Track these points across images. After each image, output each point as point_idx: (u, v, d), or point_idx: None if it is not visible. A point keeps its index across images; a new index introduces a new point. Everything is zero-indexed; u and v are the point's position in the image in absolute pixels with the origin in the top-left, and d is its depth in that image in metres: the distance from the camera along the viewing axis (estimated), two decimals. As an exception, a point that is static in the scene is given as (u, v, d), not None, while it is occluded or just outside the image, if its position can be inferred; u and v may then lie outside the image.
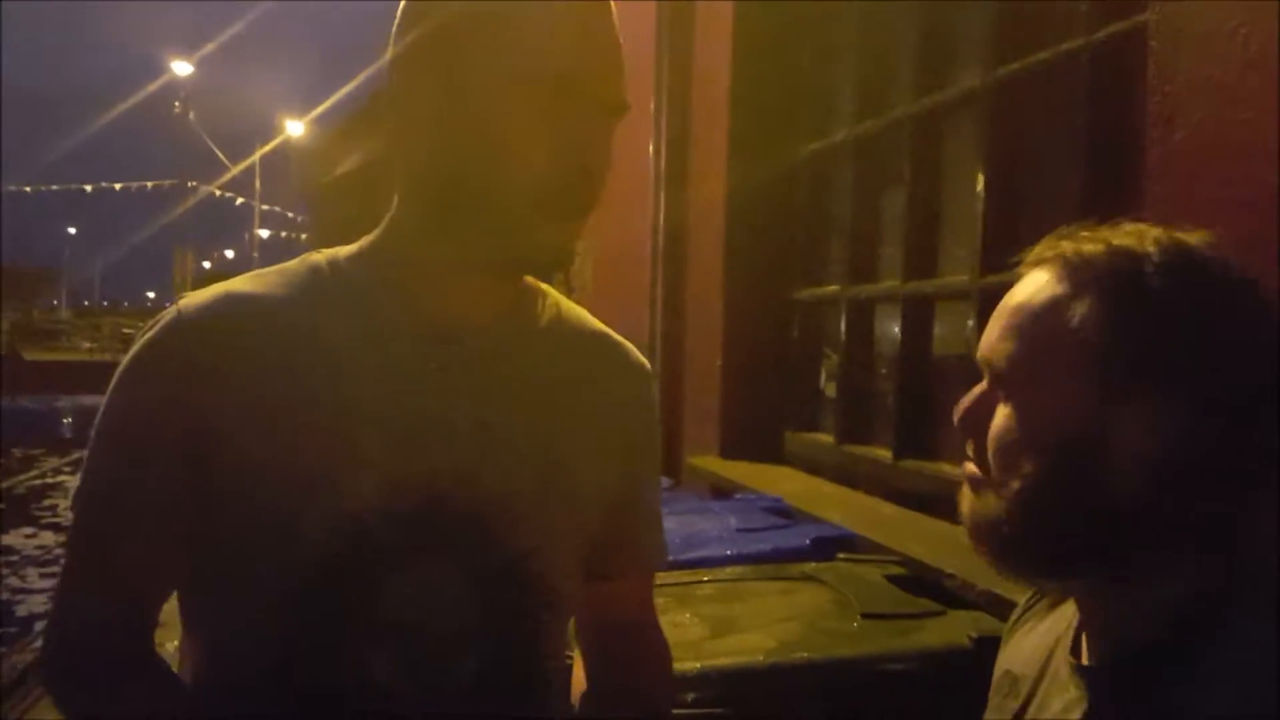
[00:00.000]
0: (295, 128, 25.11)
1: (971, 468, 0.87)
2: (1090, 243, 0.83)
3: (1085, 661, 0.86)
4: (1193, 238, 0.82)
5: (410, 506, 0.90)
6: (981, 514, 0.84)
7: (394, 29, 0.92)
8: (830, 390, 3.18)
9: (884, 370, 2.91)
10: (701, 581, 2.04)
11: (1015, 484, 0.81)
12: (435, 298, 0.94)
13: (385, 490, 0.89)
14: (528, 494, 0.94)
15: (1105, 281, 0.80)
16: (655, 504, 1.12)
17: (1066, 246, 0.84)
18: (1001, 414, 0.83)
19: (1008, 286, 0.87)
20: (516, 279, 0.99)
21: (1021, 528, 0.81)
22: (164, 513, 0.89)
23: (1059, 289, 0.81)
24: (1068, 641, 0.89)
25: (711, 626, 1.78)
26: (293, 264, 0.97)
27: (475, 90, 0.87)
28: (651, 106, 3.89)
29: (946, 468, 2.52)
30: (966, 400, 0.88)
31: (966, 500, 0.87)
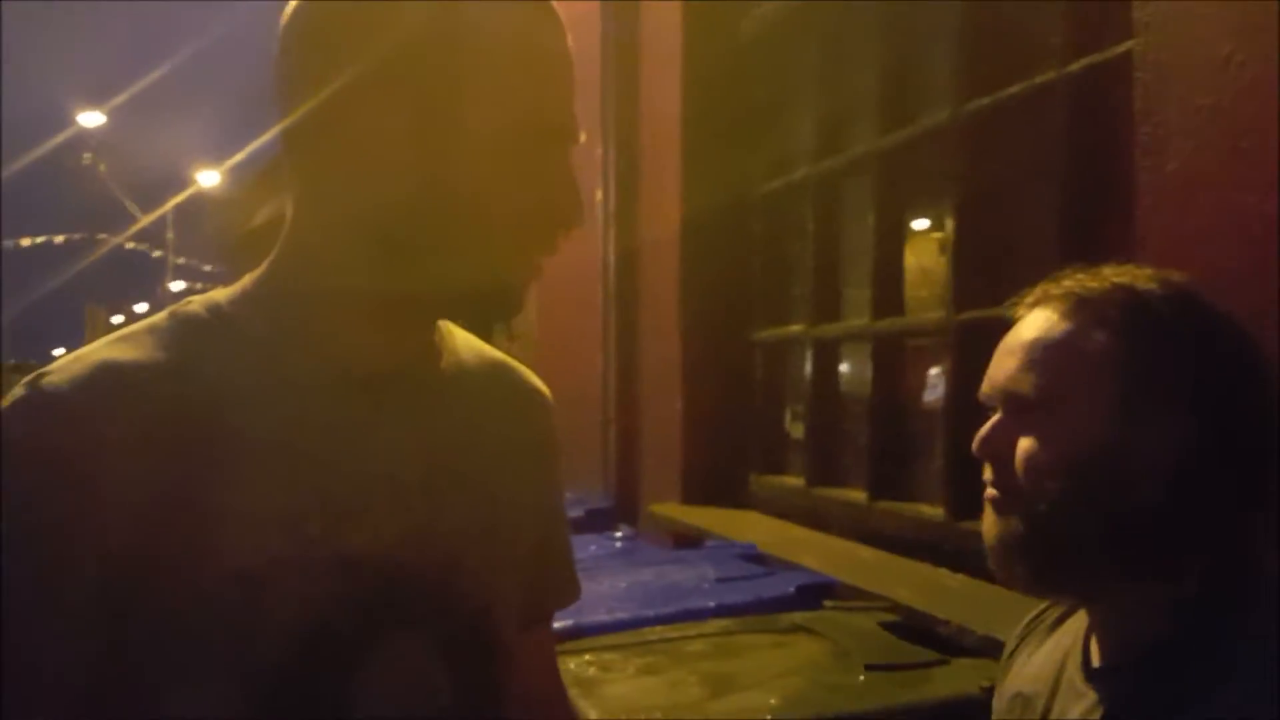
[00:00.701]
0: (209, 177, 24.60)
1: (994, 492, 0.95)
2: (1092, 282, 0.93)
3: (1097, 665, 0.93)
4: (1176, 275, 0.94)
5: (365, 585, 0.79)
6: (1010, 534, 0.92)
7: (308, 41, 0.79)
8: (796, 432, 3.12)
9: (854, 410, 2.86)
10: (689, 636, 1.95)
11: (1044, 505, 0.89)
12: (347, 341, 0.82)
13: (333, 571, 0.78)
14: (477, 547, 0.86)
15: (1118, 315, 0.90)
16: (568, 538, 1.05)
17: (1069, 286, 0.94)
18: (1027, 440, 0.91)
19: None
20: (460, 320, 0.91)
21: (1051, 543, 0.90)
22: (77, 633, 0.73)
23: (1074, 324, 0.91)
24: (1078, 653, 0.96)
25: (710, 685, 1.68)
26: (161, 318, 0.82)
27: (455, 135, 0.77)
28: (599, 144, 3.83)
29: (925, 509, 2.46)
30: (985, 429, 0.96)
31: (991, 523, 0.94)
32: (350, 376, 0.82)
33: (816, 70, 3.03)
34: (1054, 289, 0.95)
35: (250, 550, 0.76)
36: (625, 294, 3.76)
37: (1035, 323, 0.94)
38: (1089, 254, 1.99)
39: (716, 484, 3.31)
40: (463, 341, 0.95)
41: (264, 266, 0.85)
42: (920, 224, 2.69)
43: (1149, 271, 0.94)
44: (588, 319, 3.90)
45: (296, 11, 0.80)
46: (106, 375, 0.76)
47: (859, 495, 2.70)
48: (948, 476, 2.33)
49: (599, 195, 3.85)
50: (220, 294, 0.85)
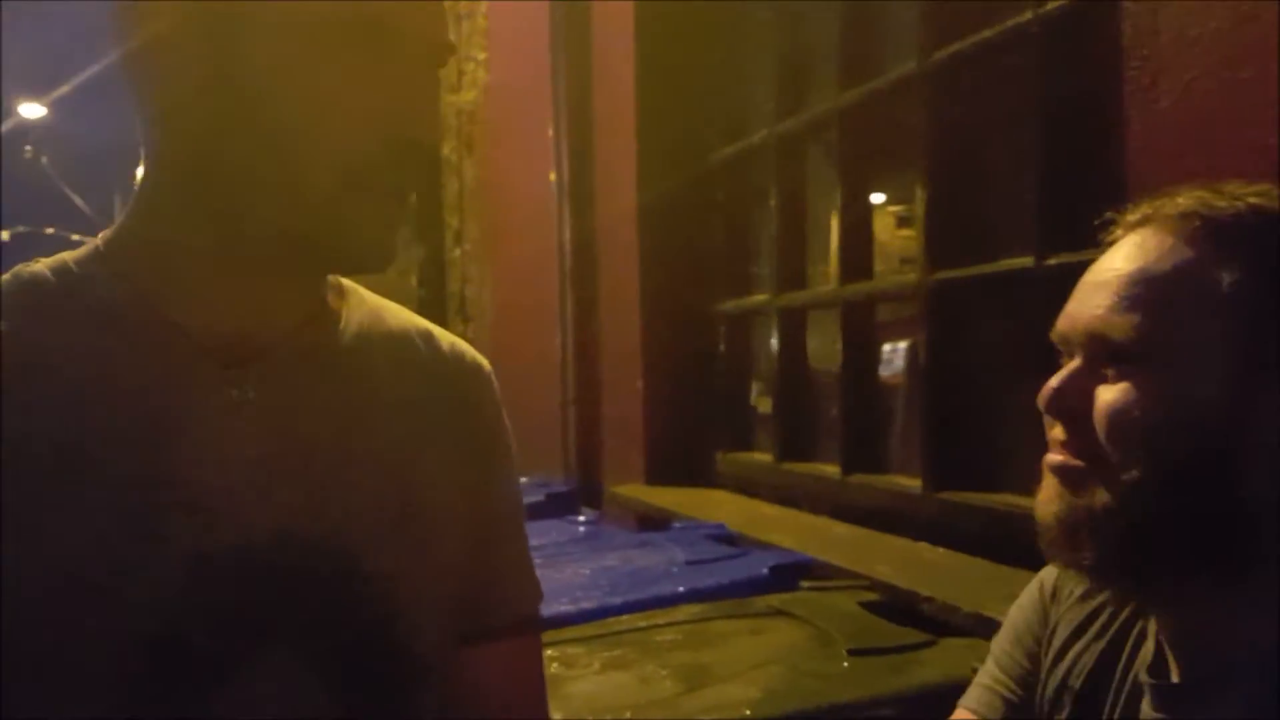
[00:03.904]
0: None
1: (1063, 457, 0.77)
2: (1217, 200, 0.75)
3: (1175, 679, 0.77)
4: None
5: (226, 590, 0.68)
6: (1083, 508, 0.75)
7: None
8: (764, 406, 3.00)
9: (824, 382, 2.75)
10: (659, 625, 1.82)
11: (1136, 473, 0.72)
12: (215, 306, 0.71)
13: (186, 573, 0.67)
14: (377, 546, 0.73)
15: (1253, 244, 0.72)
16: (519, 533, 0.89)
17: (1186, 205, 0.76)
18: (1114, 393, 0.74)
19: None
20: (320, 279, 0.77)
21: (1139, 521, 0.72)
22: None
23: (1194, 253, 0.73)
24: (1146, 658, 0.80)
25: (684, 679, 1.56)
26: (3, 279, 0.72)
27: (260, 36, 0.66)
28: (550, 121, 3.68)
29: (901, 481, 2.35)
30: (1058, 379, 0.78)
31: (1055, 495, 0.78)
32: (211, 346, 0.71)
33: (774, 25, 2.90)
34: (1166, 206, 0.76)
35: (89, 549, 0.65)
36: (582, 271, 3.62)
37: (1139, 249, 0.76)
38: (1074, 206, 1.92)
39: (682, 463, 3.19)
40: (374, 309, 0.81)
41: (118, 223, 0.73)
42: (888, 184, 2.57)
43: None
44: (544, 298, 3.75)
45: None
46: None
47: (832, 469, 2.58)
48: (924, 446, 2.22)
49: (552, 174, 3.70)
50: (71, 254, 0.73)
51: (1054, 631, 0.89)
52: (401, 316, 0.84)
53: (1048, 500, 0.78)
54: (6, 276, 0.72)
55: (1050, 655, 0.89)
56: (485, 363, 0.88)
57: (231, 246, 0.70)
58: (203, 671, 0.67)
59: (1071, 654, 0.87)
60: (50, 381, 0.67)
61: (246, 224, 0.69)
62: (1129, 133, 1.58)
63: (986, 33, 2.06)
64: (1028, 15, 1.93)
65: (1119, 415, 0.73)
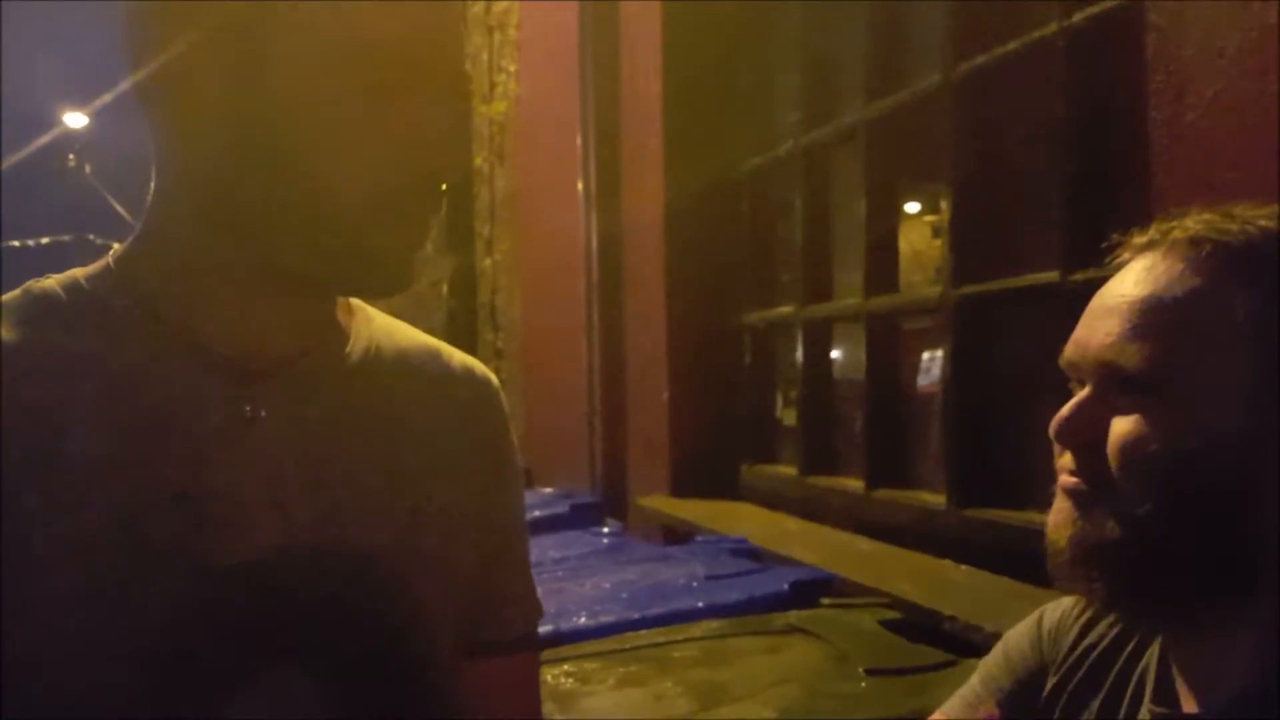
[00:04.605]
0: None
1: (1074, 480, 0.76)
2: (1228, 223, 0.73)
3: (1188, 710, 0.76)
4: None
5: (232, 603, 0.68)
6: (1093, 535, 0.74)
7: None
8: (788, 419, 2.98)
9: (849, 394, 2.73)
10: (676, 641, 1.81)
11: (1149, 504, 0.71)
12: (228, 324, 0.72)
13: (192, 585, 0.67)
14: (389, 562, 0.74)
15: (1265, 270, 0.70)
16: (522, 550, 0.89)
17: (1196, 228, 0.74)
18: (1127, 424, 0.72)
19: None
20: (333, 299, 0.78)
21: (1152, 553, 0.71)
22: None
23: (1205, 278, 0.72)
24: (1149, 686, 0.78)
25: (699, 697, 1.55)
26: (13, 295, 0.72)
27: (278, 64, 0.66)
28: (579, 131, 3.69)
29: (926, 496, 2.33)
30: (1068, 409, 0.76)
31: (1067, 519, 0.76)
32: (222, 363, 0.71)
33: (801, 37, 2.88)
34: (1176, 230, 0.74)
35: (97, 563, 0.65)
36: (609, 282, 3.62)
37: (1148, 274, 0.74)
38: (1099, 220, 1.89)
39: (707, 475, 3.18)
40: (383, 328, 0.82)
41: (130, 240, 0.74)
42: (914, 196, 2.55)
43: None
44: (572, 309, 3.76)
45: None
46: None
47: (855, 484, 2.56)
48: (949, 461, 2.19)
49: (580, 183, 3.71)
50: (82, 270, 0.73)
51: (1055, 668, 0.87)
52: (410, 334, 0.84)
53: (1059, 524, 0.77)
54: (17, 291, 0.72)
55: (1051, 691, 0.87)
56: (494, 379, 0.88)
57: (245, 269, 0.71)
58: (210, 686, 0.68)
59: (1074, 690, 0.85)
60: (59, 396, 0.68)
61: (263, 249, 0.70)
62: (1154, 146, 1.56)
63: (1012, 45, 2.04)
64: (1053, 28, 1.91)
65: (1133, 448, 0.72)
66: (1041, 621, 0.90)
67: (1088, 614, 0.87)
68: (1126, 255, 0.77)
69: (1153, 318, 0.72)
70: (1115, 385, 0.74)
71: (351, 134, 0.67)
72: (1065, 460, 0.77)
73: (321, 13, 0.66)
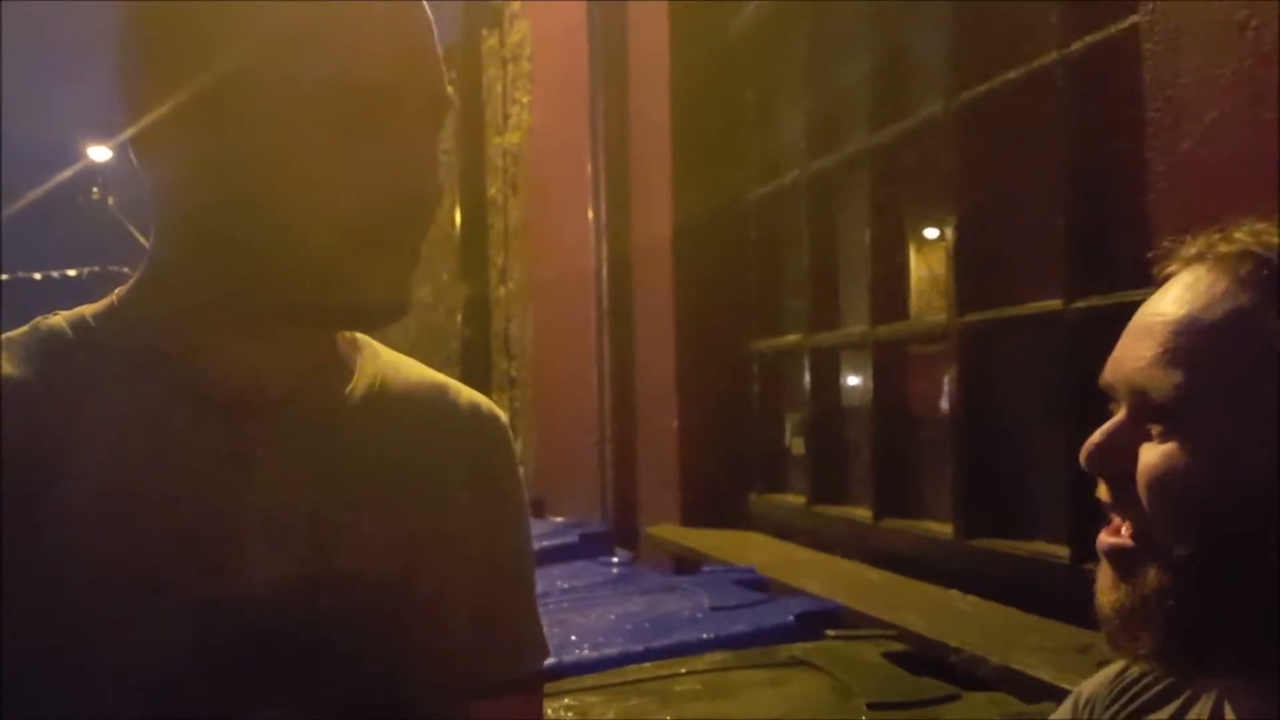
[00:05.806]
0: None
1: (1114, 539, 0.70)
2: (1274, 236, 0.67)
3: None
4: None
5: (228, 643, 0.68)
6: (1137, 594, 0.68)
7: (135, 26, 0.71)
8: (797, 447, 2.97)
9: (857, 423, 2.71)
10: (679, 674, 1.79)
11: (1187, 548, 0.66)
12: (225, 363, 0.72)
13: (189, 625, 0.67)
14: (381, 603, 0.73)
15: None
16: (528, 589, 0.88)
17: (1245, 240, 0.68)
18: (1159, 457, 0.67)
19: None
20: (331, 334, 0.78)
21: (1199, 602, 0.66)
22: None
23: (1250, 298, 0.66)
24: None
25: (698, 731, 1.53)
26: (21, 331, 0.73)
27: (256, 106, 0.67)
28: (589, 159, 3.71)
29: (933, 526, 2.31)
30: (1099, 435, 0.71)
31: (1108, 584, 0.71)
32: (223, 402, 0.71)
33: (805, 68, 2.89)
34: (1222, 244, 0.68)
35: (93, 599, 0.65)
36: (618, 309, 3.63)
37: (1189, 290, 0.68)
38: (1100, 248, 1.88)
39: (717, 504, 3.16)
40: (389, 364, 0.82)
41: (132, 281, 0.75)
42: (919, 223, 2.55)
43: None
44: (582, 337, 3.76)
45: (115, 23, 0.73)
46: None
47: (863, 513, 2.55)
48: (957, 491, 2.18)
49: (590, 212, 3.73)
50: (89, 308, 0.74)
51: None
52: (417, 370, 0.84)
53: (1105, 589, 0.72)
54: (25, 327, 0.74)
55: None
56: (502, 417, 0.87)
57: (239, 309, 0.71)
58: (201, 718, 0.68)
59: None
60: (59, 433, 0.69)
61: (253, 289, 0.70)
62: (1152, 173, 1.55)
63: (1011, 74, 2.05)
64: (1052, 56, 1.91)
65: (1163, 483, 0.67)
66: (1079, 699, 0.85)
67: (1125, 680, 0.82)
68: (1174, 267, 0.72)
69: (1186, 341, 0.67)
70: (1147, 412, 0.69)
71: (330, 171, 0.67)
72: (1101, 492, 0.73)
73: (294, 58, 0.67)
